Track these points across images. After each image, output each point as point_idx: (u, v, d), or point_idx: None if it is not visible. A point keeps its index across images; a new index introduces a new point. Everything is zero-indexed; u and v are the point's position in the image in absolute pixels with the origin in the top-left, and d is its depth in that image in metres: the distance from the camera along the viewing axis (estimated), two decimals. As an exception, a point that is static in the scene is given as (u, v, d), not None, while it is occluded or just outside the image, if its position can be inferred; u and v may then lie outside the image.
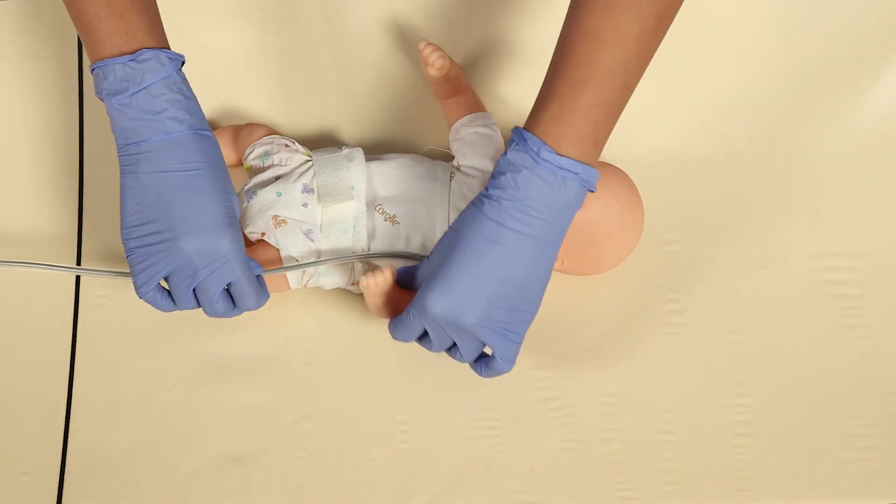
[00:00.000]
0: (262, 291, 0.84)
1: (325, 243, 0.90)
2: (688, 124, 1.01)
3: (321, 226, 0.90)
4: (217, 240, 0.79)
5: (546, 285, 0.79)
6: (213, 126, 1.01)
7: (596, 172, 0.75)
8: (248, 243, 0.92)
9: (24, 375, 0.93)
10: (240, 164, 0.98)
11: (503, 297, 0.77)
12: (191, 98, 0.79)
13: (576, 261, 0.91)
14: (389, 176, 0.93)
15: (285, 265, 0.89)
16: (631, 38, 0.72)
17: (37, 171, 1.00)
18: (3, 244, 0.98)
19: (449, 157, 0.98)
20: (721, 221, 0.98)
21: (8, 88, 1.00)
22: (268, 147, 0.95)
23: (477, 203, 0.77)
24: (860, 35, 0.98)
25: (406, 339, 0.83)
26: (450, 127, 0.97)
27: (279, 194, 0.91)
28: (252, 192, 0.92)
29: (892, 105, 0.99)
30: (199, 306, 0.83)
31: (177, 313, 0.85)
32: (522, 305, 0.78)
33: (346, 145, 0.95)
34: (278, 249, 0.90)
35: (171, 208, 0.78)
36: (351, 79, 1.02)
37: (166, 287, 0.82)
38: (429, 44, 0.93)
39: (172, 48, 0.80)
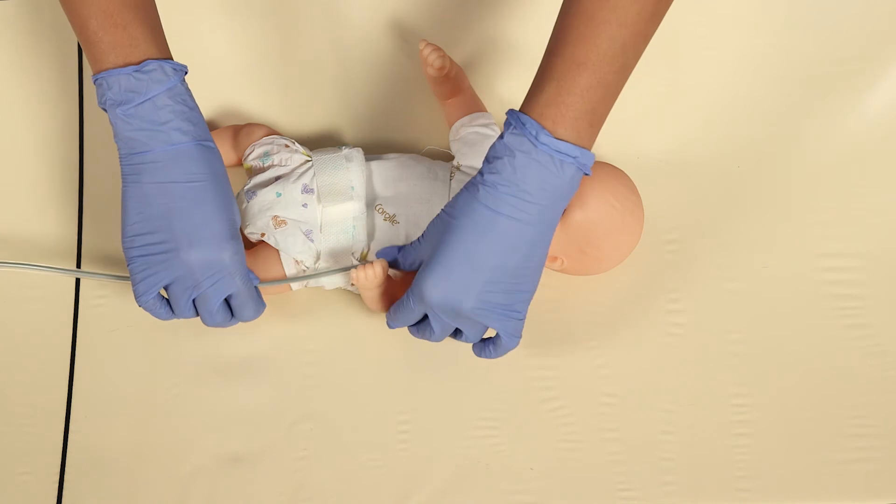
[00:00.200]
0: (260, 302, 0.85)
1: (325, 243, 0.90)
2: (688, 124, 1.01)
3: (321, 226, 0.90)
4: (220, 252, 0.80)
5: (543, 265, 0.79)
6: (212, 126, 1.01)
7: (592, 156, 0.75)
8: (248, 244, 0.92)
9: (24, 375, 0.93)
10: (240, 164, 0.98)
11: (499, 282, 0.77)
12: (194, 109, 0.79)
13: (576, 261, 0.91)
14: (389, 175, 0.93)
15: (286, 271, 0.90)
16: (629, 20, 0.72)
17: (37, 172, 1.00)
18: (2, 245, 0.98)
19: (449, 157, 0.98)
20: (721, 221, 0.98)
21: (8, 89, 1.00)
22: (268, 147, 0.95)
23: (472, 188, 0.77)
24: (860, 35, 0.98)
25: (404, 324, 0.84)
26: (450, 127, 0.97)
27: (279, 195, 0.91)
28: (252, 192, 0.92)
29: (892, 105, 0.99)
30: (198, 315, 0.84)
31: (177, 314, 0.86)
32: (520, 286, 0.78)
33: (346, 145, 0.95)
34: (278, 250, 0.90)
35: (174, 219, 0.78)
36: (351, 79, 1.02)
37: (165, 296, 0.83)
38: (429, 44, 0.93)
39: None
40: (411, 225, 0.91)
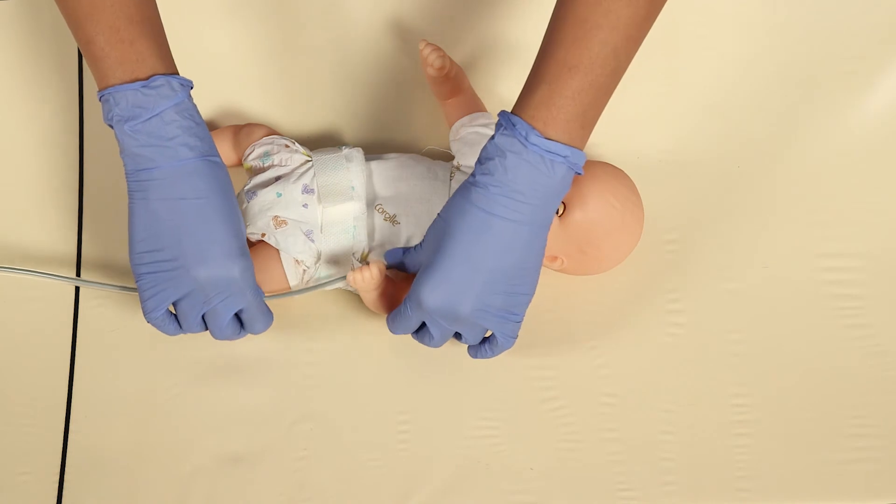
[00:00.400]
0: (269, 314, 0.86)
1: (326, 244, 0.90)
2: (688, 124, 1.01)
3: (321, 226, 0.90)
4: (230, 269, 0.80)
5: (540, 266, 0.79)
6: (212, 126, 1.01)
7: (583, 155, 0.75)
8: (248, 244, 0.92)
9: (24, 375, 0.92)
10: (240, 164, 0.98)
11: (497, 284, 0.77)
12: (200, 124, 0.79)
13: (576, 261, 0.91)
14: (389, 175, 0.93)
15: (286, 271, 0.90)
16: (621, 23, 0.72)
17: (36, 173, 1.00)
18: (2, 249, 0.98)
19: (449, 157, 0.98)
20: (721, 221, 0.98)
21: (7, 89, 1.00)
22: (268, 147, 0.95)
23: (464, 191, 0.77)
24: (860, 35, 0.98)
25: (404, 332, 0.84)
26: (450, 127, 0.97)
27: (279, 195, 0.91)
28: (252, 192, 0.92)
29: (892, 105, 0.99)
30: (206, 330, 0.84)
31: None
32: (518, 288, 0.79)
33: (346, 145, 0.95)
34: (278, 250, 0.90)
35: (182, 236, 0.78)
36: (351, 79, 1.02)
37: (173, 311, 0.83)
38: (428, 44, 0.93)
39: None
40: (412, 225, 0.91)
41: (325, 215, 0.90)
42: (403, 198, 0.92)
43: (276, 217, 0.90)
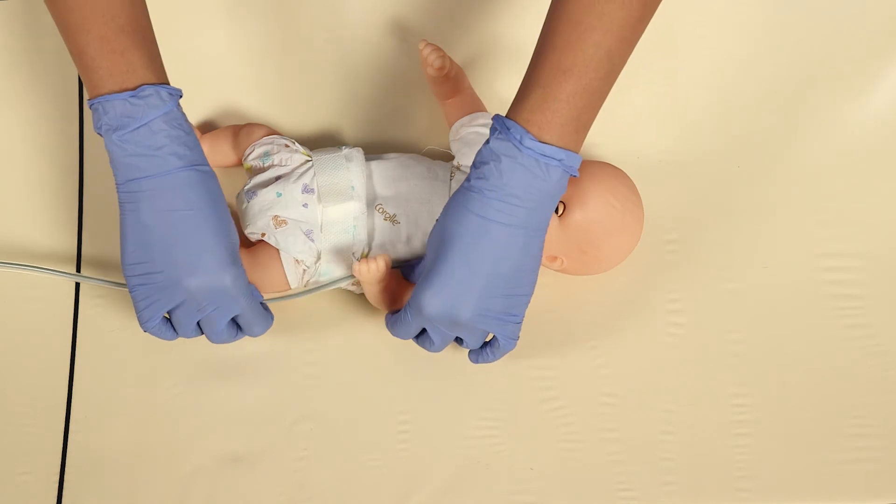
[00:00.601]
0: (268, 316, 0.86)
1: (326, 243, 0.90)
2: (688, 124, 1.01)
3: (321, 226, 0.90)
4: (221, 278, 0.80)
5: (538, 267, 0.79)
6: (212, 126, 1.01)
7: (578, 157, 0.75)
8: (248, 244, 0.93)
9: (24, 375, 0.92)
10: (240, 164, 0.98)
11: (496, 288, 0.78)
12: (190, 133, 0.79)
13: (576, 261, 0.91)
14: (389, 175, 0.93)
15: (286, 271, 0.90)
16: (615, 26, 0.72)
17: (36, 172, 1.00)
18: (2, 246, 0.98)
19: (449, 157, 0.98)
20: (721, 221, 0.98)
21: (7, 90, 1.00)
22: (268, 147, 0.95)
23: (461, 196, 0.78)
24: (860, 35, 0.98)
25: (405, 337, 0.85)
26: (450, 127, 0.97)
27: (279, 194, 0.91)
28: (252, 192, 0.92)
29: (892, 105, 0.99)
30: (203, 335, 0.84)
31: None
32: (517, 290, 0.79)
33: (346, 145, 0.95)
34: (278, 249, 0.90)
35: (173, 247, 0.78)
36: (351, 79, 1.02)
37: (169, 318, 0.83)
38: (428, 44, 0.93)
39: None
40: (412, 225, 0.91)
41: (325, 215, 0.90)
42: (403, 198, 0.92)
43: (276, 217, 0.90)
